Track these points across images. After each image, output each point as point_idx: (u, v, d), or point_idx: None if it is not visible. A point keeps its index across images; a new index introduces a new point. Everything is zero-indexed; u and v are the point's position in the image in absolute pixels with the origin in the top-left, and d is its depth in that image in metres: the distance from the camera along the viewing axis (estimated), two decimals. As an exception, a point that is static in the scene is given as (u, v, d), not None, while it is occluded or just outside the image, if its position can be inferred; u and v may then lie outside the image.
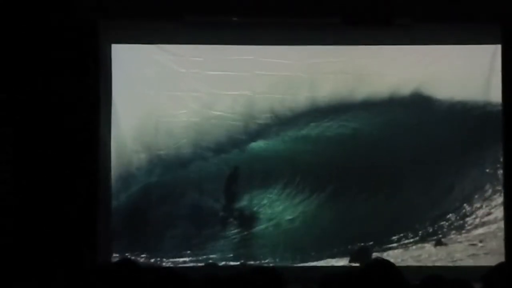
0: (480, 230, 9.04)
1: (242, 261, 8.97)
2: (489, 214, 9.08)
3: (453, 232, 9.06)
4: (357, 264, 8.86)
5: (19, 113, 8.53)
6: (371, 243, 8.96)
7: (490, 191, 9.14)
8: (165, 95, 9.06)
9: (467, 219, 9.09)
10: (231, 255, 9.01)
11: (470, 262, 8.86)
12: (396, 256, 8.88)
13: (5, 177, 8.47)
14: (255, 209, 9.17)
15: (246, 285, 3.68)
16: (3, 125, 8.51)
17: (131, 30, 8.87)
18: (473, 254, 8.93)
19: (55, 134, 8.52)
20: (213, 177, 9.14)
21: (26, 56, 8.51)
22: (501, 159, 8.94)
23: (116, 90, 8.90)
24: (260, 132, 9.21)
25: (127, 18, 8.69)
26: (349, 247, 8.97)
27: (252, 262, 8.98)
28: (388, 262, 3.95)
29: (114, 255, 8.77)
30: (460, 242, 9.03)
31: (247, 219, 9.13)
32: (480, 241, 8.99)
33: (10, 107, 8.52)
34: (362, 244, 8.92)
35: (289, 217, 9.14)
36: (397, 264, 3.90)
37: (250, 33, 8.95)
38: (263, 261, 8.98)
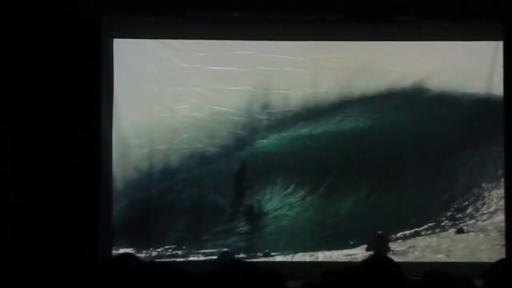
0: (496, 218, 9.04)
1: (267, 250, 9.00)
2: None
3: (470, 220, 9.09)
4: (372, 252, 8.93)
5: (19, 110, 8.53)
6: (387, 232, 8.99)
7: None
8: (167, 90, 9.06)
9: (483, 206, 9.13)
10: (237, 249, 9.02)
11: (489, 251, 8.87)
12: (414, 245, 8.94)
13: (6, 175, 8.47)
14: (262, 203, 9.18)
15: (246, 281, 3.69)
16: (3, 122, 8.50)
17: (133, 25, 8.86)
18: (494, 245, 8.94)
19: (56, 129, 8.52)
20: (215, 172, 9.14)
21: (28, 51, 8.51)
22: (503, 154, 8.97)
23: (117, 84, 8.90)
24: (262, 127, 9.21)
25: (129, 13, 8.69)
26: (364, 237, 9.00)
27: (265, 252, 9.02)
28: (387, 258, 3.96)
29: (115, 252, 8.77)
30: (479, 230, 9.06)
31: (255, 214, 9.14)
32: (498, 231, 9.00)
33: (11, 103, 8.51)
34: (380, 232, 8.96)
35: (301, 209, 9.16)
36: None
37: (252, 29, 8.94)
38: (273, 253, 9.00)
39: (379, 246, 8.91)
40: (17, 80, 8.52)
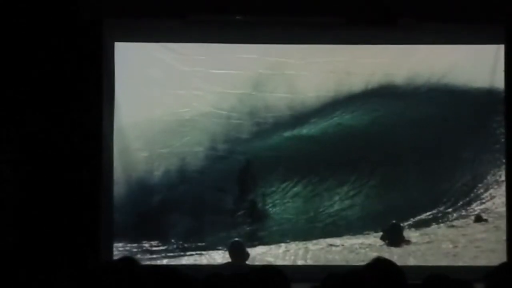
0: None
1: (281, 242, 9.02)
2: None
3: (488, 207, 9.09)
4: (387, 241, 8.96)
5: (20, 112, 8.54)
6: (401, 220, 9.01)
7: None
8: (168, 94, 9.07)
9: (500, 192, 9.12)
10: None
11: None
12: (429, 233, 8.95)
13: (7, 177, 8.47)
14: (267, 199, 9.18)
15: (250, 284, 3.68)
16: (3, 122, 8.52)
17: (135, 29, 8.87)
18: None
19: (57, 132, 8.52)
20: (216, 174, 9.15)
21: (29, 53, 8.52)
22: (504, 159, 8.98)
23: (119, 88, 8.91)
24: (264, 130, 9.21)
25: (131, 16, 8.70)
26: (378, 225, 9.02)
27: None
28: (389, 261, 3.96)
29: (116, 251, 8.78)
30: (498, 217, 9.03)
31: (260, 210, 9.15)
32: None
33: (12, 105, 8.52)
34: (394, 221, 8.97)
35: (310, 202, 9.17)
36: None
37: (254, 32, 8.95)
38: (285, 243, 9.02)
39: (394, 235, 8.93)
40: (18, 82, 8.53)
